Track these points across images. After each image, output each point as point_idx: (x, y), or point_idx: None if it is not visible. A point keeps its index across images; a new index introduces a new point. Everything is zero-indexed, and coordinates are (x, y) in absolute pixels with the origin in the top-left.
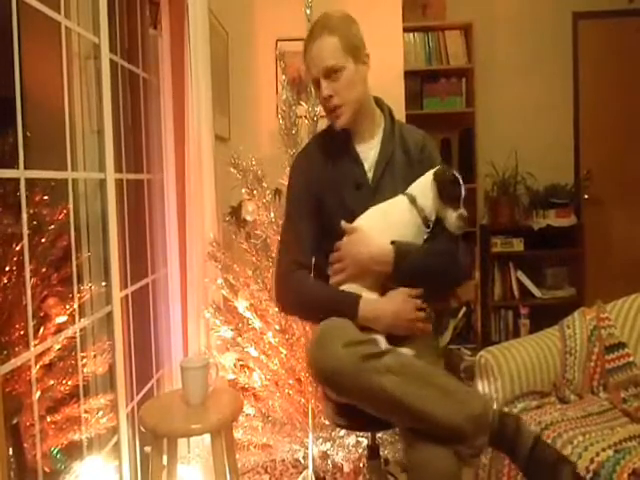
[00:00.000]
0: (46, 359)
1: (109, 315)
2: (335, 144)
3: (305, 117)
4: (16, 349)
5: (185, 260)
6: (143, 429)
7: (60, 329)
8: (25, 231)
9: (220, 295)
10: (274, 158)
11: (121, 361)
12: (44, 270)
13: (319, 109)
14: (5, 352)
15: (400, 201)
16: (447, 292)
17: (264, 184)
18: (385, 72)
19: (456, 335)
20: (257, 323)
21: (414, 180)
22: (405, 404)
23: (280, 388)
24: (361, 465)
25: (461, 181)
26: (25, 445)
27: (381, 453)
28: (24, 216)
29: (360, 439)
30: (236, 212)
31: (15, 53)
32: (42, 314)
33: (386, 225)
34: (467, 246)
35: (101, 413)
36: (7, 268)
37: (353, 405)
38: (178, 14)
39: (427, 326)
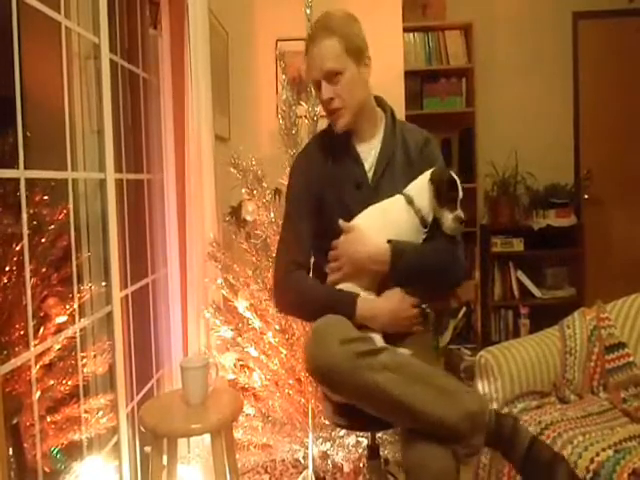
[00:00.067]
0: (46, 359)
1: (109, 315)
2: (335, 144)
3: (305, 117)
4: (16, 349)
5: (185, 260)
6: (143, 429)
7: (60, 329)
8: (25, 231)
9: (220, 295)
10: (274, 158)
11: (121, 361)
12: (44, 270)
13: (319, 109)
14: (5, 352)
15: (398, 201)
16: (445, 291)
17: (264, 184)
18: (385, 72)
19: (456, 335)
20: (257, 323)
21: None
22: (400, 402)
23: (280, 388)
24: (361, 465)
25: (458, 183)
26: (25, 445)
27: (381, 453)
28: (24, 216)
29: (360, 439)
30: (236, 212)
31: (15, 53)
32: (42, 314)
33: (383, 224)
34: (464, 246)
35: (101, 413)
36: (7, 268)
37: (353, 405)
38: (178, 14)
39: (423, 324)
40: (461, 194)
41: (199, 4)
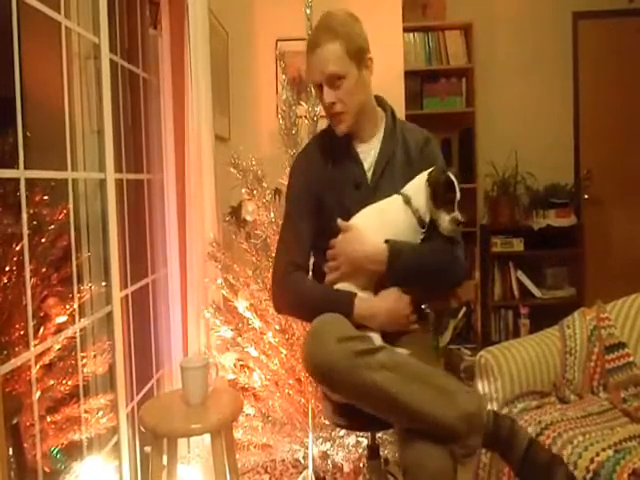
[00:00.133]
0: (46, 359)
1: (109, 315)
2: (335, 144)
3: (305, 117)
4: (16, 349)
5: (185, 260)
6: (143, 429)
7: (60, 329)
8: (25, 231)
9: (220, 295)
10: (274, 158)
11: (121, 361)
12: (44, 270)
13: (319, 109)
14: (5, 352)
15: (395, 200)
16: (444, 291)
17: (264, 184)
18: (385, 72)
19: (456, 335)
20: (257, 323)
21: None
22: (397, 401)
23: (280, 388)
24: (361, 465)
25: (456, 184)
26: (25, 445)
27: (381, 453)
28: (24, 216)
29: (360, 439)
30: (236, 212)
31: (15, 53)
32: (42, 314)
33: (381, 224)
34: (464, 246)
35: (101, 413)
36: (7, 268)
37: (353, 405)
38: (178, 14)
39: (422, 323)
40: (459, 196)
41: (199, 4)
